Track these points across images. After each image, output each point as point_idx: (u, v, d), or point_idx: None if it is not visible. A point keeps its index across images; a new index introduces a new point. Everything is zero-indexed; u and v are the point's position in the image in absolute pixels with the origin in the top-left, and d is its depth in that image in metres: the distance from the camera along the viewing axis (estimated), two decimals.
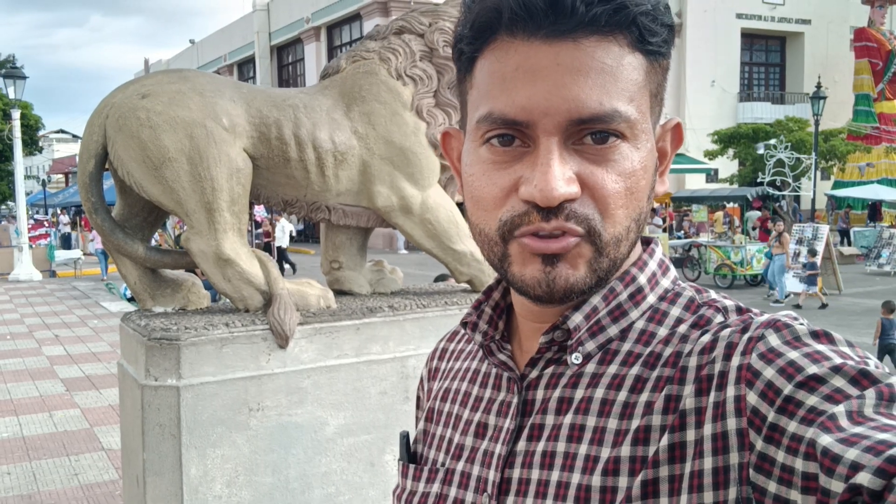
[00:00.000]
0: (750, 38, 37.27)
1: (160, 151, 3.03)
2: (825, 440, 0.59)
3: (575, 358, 0.79)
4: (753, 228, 20.35)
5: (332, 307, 3.31)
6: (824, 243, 16.28)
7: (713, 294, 0.82)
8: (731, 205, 22.79)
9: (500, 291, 0.91)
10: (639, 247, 0.86)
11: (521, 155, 0.75)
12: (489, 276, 3.62)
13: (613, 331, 0.80)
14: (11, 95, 20.24)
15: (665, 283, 0.85)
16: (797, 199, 28.64)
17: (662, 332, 0.79)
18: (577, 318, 0.79)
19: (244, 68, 42.19)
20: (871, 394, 0.62)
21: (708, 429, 0.69)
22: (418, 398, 1.06)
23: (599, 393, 0.77)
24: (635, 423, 0.74)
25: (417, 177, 3.47)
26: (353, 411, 3.25)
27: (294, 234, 23.70)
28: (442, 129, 0.92)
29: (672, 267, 0.87)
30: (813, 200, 22.77)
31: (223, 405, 3.02)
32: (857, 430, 0.59)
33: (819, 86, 21.72)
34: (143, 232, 3.35)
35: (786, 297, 14.97)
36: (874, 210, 27.68)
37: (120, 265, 3.30)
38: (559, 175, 0.71)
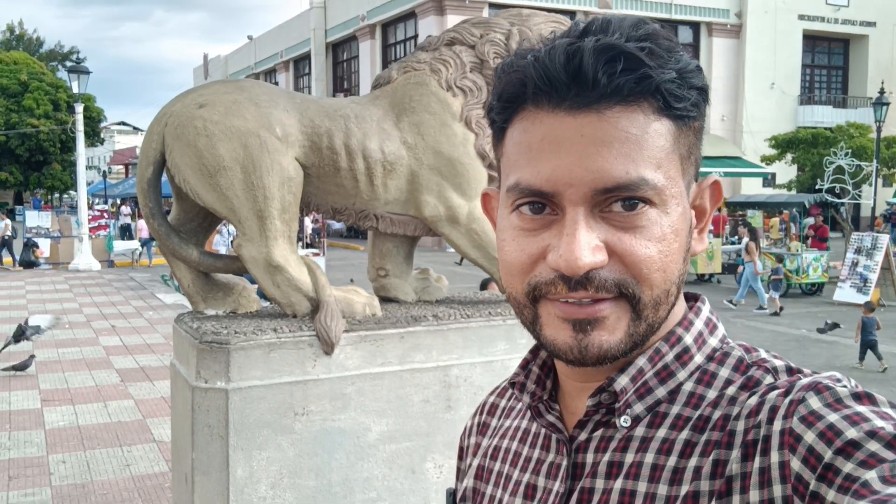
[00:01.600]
0: (812, 40, 36.43)
1: (215, 160, 3.12)
2: None
3: (624, 421, 0.80)
4: (806, 237, 19.89)
5: (377, 315, 3.36)
6: (883, 253, 15.86)
7: (763, 353, 0.82)
8: (787, 211, 22.32)
9: None
10: (683, 305, 0.85)
11: (550, 223, 0.77)
12: None
13: (661, 392, 0.81)
14: (75, 89, 20.87)
15: (713, 342, 0.84)
16: (857, 206, 27.93)
17: (711, 394, 0.79)
18: (623, 381, 0.80)
19: (300, 65, 42.69)
20: None
21: (754, 495, 0.69)
22: (461, 448, 1.07)
23: (649, 458, 0.78)
24: (684, 489, 0.74)
25: (465, 187, 3.50)
26: (396, 418, 3.30)
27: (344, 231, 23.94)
28: (483, 190, 0.94)
29: (720, 325, 0.86)
30: (873, 208, 22.17)
31: (269, 409, 3.09)
32: (890, 490, 0.59)
33: (882, 91, 21.12)
34: (197, 236, 3.44)
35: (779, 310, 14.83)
36: None
37: (175, 268, 3.40)
38: (584, 244, 0.73)
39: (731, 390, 0.78)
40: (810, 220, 21.43)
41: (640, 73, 0.73)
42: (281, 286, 3.24)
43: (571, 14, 27.50)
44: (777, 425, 0.70)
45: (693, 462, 0.75)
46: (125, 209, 34.81)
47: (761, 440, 0.70)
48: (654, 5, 31.97)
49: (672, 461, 0.76)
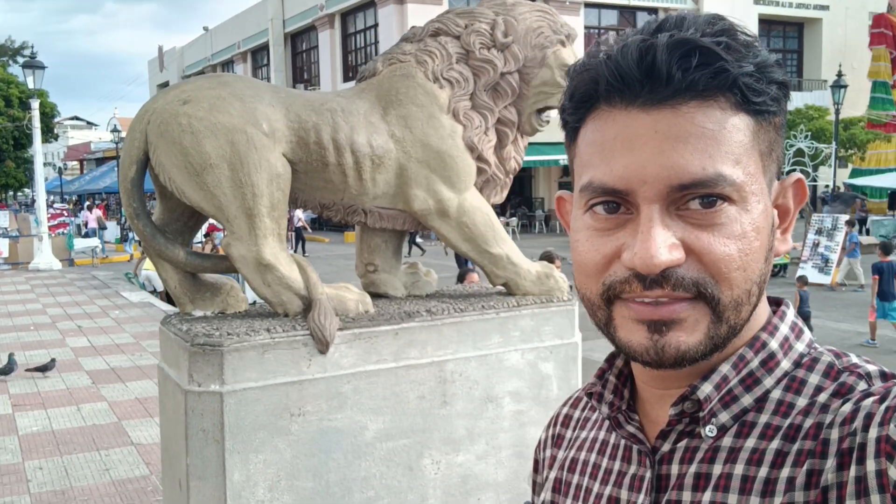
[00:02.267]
0: (767, 24, 36.93)
1: (202, 157, 3.04)
2: None
3: (709, 431, 0.78)
4: None
5: (370, 312, 3.32)
6: (844, 233, 16.17)
7: (854, 358, 0.79)
8: None
9: (623, 358, 0.89)
10: (767, 309, 0.83)
11: (625, 222, 0.75)
12: (525, 278, 3.61)
13: (747, 400, 0.78)
14: (31, 85, 20.33)
15: (799, 347, 0.82)
16: (814, 188, 28.46)
17: (801, 402, 0.76)
18: (707, 389, 0.78)
19: (258, 56, 42.13)
20: None
21: None
22: (536, 461, 1.05)
23: (739, 469, 0.75)
24: (778, 501, 0.72)
25: (454, 180, 3.46)
26: (392, 416, 3.27)
27: (307, 227, 23.82)
28: (557, 193, 0.93)
29: (806, 330, 0.84)
30: (833, 190, 22.58)
31: (265, 410, 3.03)
32: None
33: (840, 74, 21.50)
34: (183, 236, 3.36)
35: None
36: (893, 199, 27.37)
37: (160, 269, 3.32)
38: (660, 242, 0.71)
39: (822, 397, 0.76)
40: None
41: (716, 67, 0.71)
42: (272, 285, 3.18)
43: None
44: (873, 433, 0.67)
45: (786, 472, 0.72)
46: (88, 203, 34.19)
47: (857, 448, 0.68)
48: None
49: (763, 472, 0.74)
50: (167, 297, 14.16)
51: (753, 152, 0.75)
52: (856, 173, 28.78)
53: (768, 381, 0.79)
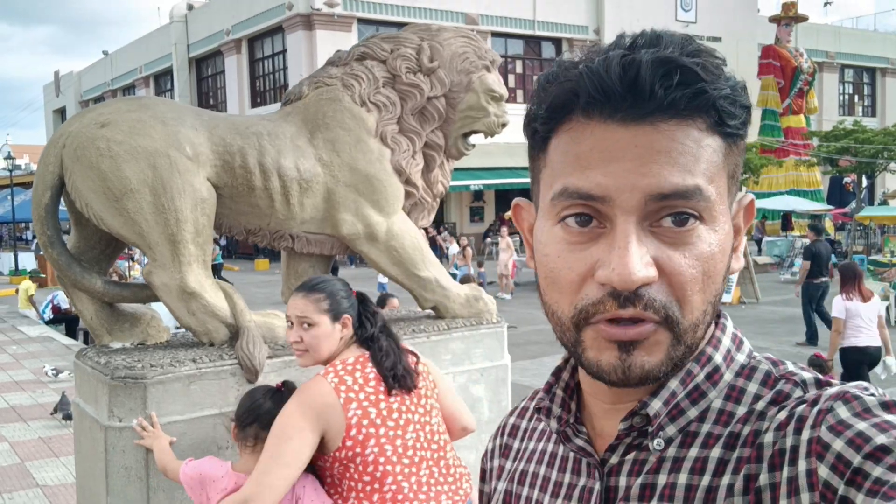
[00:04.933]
0: None
1: (121, 182, 2.92)
2: None
3: (657, 444, 0.79)
4: None
5: None
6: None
7: (790, 366, 0.82)
8: None
9: (569, 371, 0.90)
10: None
11: (598, 236, 0.74)
12: (454, 301, 3.61)
13: (693, 413, 0.80)
14: None
15: (740, 358, 0.84)
16: None
17: (741, 410, 0.78)
18: (656, 405, 0.79)
19: (161, 80, 41.09)
20: None
21: None
22: (483, 471, 1.05)
23: (682, 478, 0.77)
24: None
25: (382, 204, 3.44)
26: None
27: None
28: (515, 200, 0.93)
29: (745, 340, 0.86)
30: None
31: (192, 444, 2.91)
32: None
33: None
34: (100, 265, 3.22)
35: None
36: (786, 220, 28.77)
37: (75, 300, 3.17)
38: (637, 258, 0.71)
39: (760, 405, 0.78)
40: None
41: (697, 87, 0.72)
42: (196, 314, 3.07)
43: None
44: (805, 435, 0.70)
45: (726, 480, 0.74)
46: None
47: (789, 450, 0.71)
48: (519, 22, 32.84)
49: (706, 481, 0.76)
50: (67, 331, 13.51)
51: (723, 173, 0.76)
52: None
53: (713, 394, 0.80)
